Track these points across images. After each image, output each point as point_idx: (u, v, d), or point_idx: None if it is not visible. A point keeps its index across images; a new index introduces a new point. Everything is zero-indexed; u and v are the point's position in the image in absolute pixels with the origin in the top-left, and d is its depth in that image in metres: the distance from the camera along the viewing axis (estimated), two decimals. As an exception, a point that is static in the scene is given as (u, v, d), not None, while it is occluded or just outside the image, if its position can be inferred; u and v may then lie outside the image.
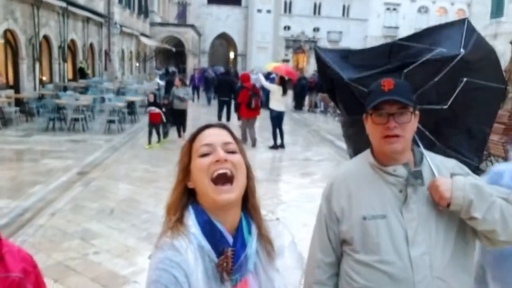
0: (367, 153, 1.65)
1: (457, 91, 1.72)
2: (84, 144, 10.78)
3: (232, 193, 1.16)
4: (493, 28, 24.37)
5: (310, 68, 43.02)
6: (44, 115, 13.26)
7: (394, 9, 48.27)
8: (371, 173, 1.60)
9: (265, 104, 12.74)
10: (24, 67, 14.79)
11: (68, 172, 7.90)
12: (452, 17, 40.15)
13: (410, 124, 1.52)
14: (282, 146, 11.24)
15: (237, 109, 12.45)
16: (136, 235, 5.26)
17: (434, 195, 1.49)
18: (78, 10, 19.09)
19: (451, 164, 1.64)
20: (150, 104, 10.84)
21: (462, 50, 1.66)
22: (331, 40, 45.31)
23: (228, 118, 15.07)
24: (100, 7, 23.06)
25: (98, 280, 4.15)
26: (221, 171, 1.16)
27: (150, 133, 10.70)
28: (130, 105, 14.70)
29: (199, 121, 15.20)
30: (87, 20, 20.84)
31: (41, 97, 14.61)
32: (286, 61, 46.60)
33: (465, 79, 1.72)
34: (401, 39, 1.92)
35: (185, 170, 1.22)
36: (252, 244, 1.21)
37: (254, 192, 1.27)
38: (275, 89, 11.13)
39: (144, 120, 12.85)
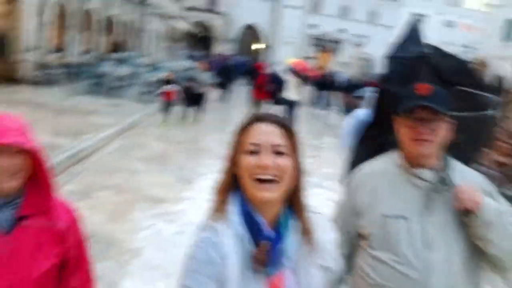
0: (395, 154, 1.67)
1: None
2: (122, 108, 12.21)
3: (273, 192, 1.16)
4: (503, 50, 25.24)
5: (334, 67, 44.15)
6: (86, 79, 14.74)
7: (420, 20, 49.48)
8: (398, 174, 1.62)
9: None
10: (70, 35, 16.28)
11: (112, 128, 9.34)
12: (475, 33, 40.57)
13: (442, 130, 1.53)
14: None
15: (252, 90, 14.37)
16: (172, 176, 6.67)
17: (463, 197, 1.48)
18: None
19: (479, 179, 1.64)
20: (168, 82, 11.14)
21: (493, 111, 1.89)
22: (355, 43, 46.21)
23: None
24: (140, -13, 24.49)
25: (143, 199, 5.56)
26: (263, 177, 1.15)
27: (164, 111, 10.96)
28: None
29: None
30: (127, -2, 22.28)
31: (83, 64, 16.11)
32: (310, 58, 47.81)
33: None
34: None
35: (233, 161, 1.22)
36: (290, 239, 1.20)
37: (302, 190, 1.25)
38: (291, 80, 12.44)
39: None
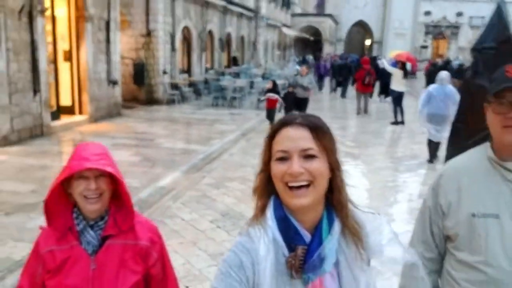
0: (485, 146, 1.52)
1: None
2: (240, 116, 13.90)
3: (306, 198, 1.12)
4: None
5: (451, 54, 42.06)
6: (209, 94, 16.86)
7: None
8: (488, 168, 1.48)
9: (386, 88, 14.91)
10: (194, 56, 18.61)
11: (234, 133, 10.95)
12: None
13: None
14: (402, 122, 13.07)
15: (353, 84, 16.45)
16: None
17: None
18: (234, 7, 22.65)
19: None
20: (269, 90, 11.55)
21: None
22: (473, 25, 43.43)
23: (344, 95, 19.98)
24: (251, 2, 26.52)
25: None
26: (294, 184, 1.12)
27: (269, 118, 11.31)
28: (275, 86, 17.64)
29: (321, 110, 17.75)
30: (240, 15, 24.38)
31: (205, 81, 18.33)
32: (424, 47, 46.04)
33: None
34: None
35: (267, 164, 1.21)
36: (329, 244, 1.15)
37: (341, 188, 1.20)
38: (396, 73, 13.13)
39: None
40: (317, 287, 1.14)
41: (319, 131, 1.16)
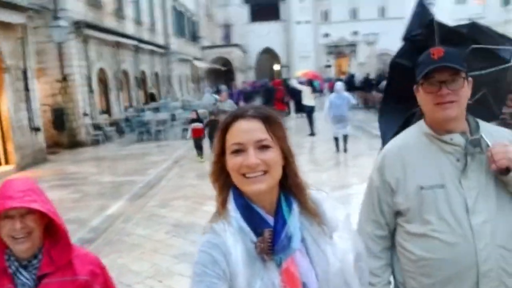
0: (420, 124, 1.63)
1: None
2: (168, 147, 14.38)
3: (263, 183, 1.16)
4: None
5: (353, 70, 45.45)
6: (132, 131, 17.14)
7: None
8: (427, 143, 1.58)
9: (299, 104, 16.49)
10: (112, 96, 18.82)
11: (166, 162, 11.44)
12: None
13: (464, 90, 1.50)
14: (313, 134, 14.53)
15: (272, 104, 17.11)
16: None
17: (499, 158, 1.45)
18: (145, 45, 23.21)
19: (508, 135, 1.62)
20: (193, 120, 11.75)
21: None
22: (369, 42, 47.52)
23: None
24: (161, 39, 27.23)
25: (204, 200, 7.48)
26: (252, 175, 1.16)
27: (196, 147, 11.49)
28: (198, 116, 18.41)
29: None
30: (152, 52, 24.96)
31: (126, 119, 18.57)
32: (328, 66, 49.30)
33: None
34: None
35: (219, 156, 1.23)
36: (293, 222, 1.19)
37: (296, 172, 1.25)
38: (305, 89, 14.52)
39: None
40: (290, 265, 1.17)
41: (271, 121, 1.20)
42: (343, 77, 33.52)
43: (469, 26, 1.87)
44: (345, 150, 11.04)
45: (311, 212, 1.25)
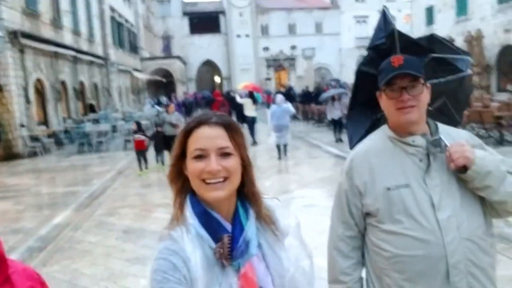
0: (384, 128, 1.73)
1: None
2: (110, 158, 14.29)
3: (223, 190, 1.18)
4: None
5: (292, 82, 46.72)
6: (71, 143, 16.82)
7: (364, 21, 50.90)
8: (391, 146, 1.67)
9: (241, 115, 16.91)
10: (50, 107, 18.35)
11: (110, 172, 11.43)
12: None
13: (423, 95, 1.60)
14: (254, 142, 15.14)
15: None
16: (168, 190, 8.78)
17: (456, 157, 1.54)
18: (84, 56, 22.80)
19: (465, 135, 1.72)
20: (135, 132, 11.43)
21: (469, 70, 1.95)
22: (306, 56, 49.17)
23: None
24: (99, 50, 26.81)
25: (151, 207, 7.66)
26: (212, 181, 1.18)
27: (139, 160, 11.16)
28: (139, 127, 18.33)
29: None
30: (90, 63, 24.53)
31: (65, 130, 18.16)
32: (268, 79, 50.38)
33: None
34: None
35: (178, 158, 1.24)
36: (250, 228, 1.22)
37: (253, 181, 1.28)
38: (246, 101, 15.09)
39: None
40: (248, 270, 1.18)
41: (232, 129, 1.23)
42: (282, 89, 34.68)
43: (428, 38, 1.97)
44: (285, 155, 12.06)
45: (266, 219, 1.28)
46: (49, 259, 5.48)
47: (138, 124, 11.95)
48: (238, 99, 17.24)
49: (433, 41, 1.96)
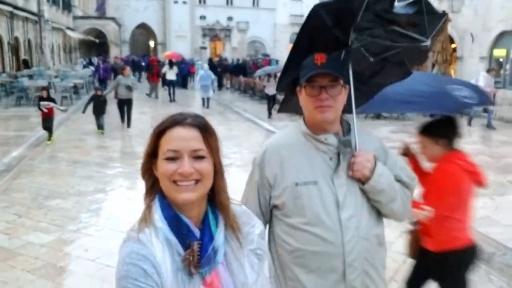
0: (299, 123, 1.77)
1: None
2: (49, 111, 15.66)
3: (194, 192, 1.16)
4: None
5: (226, 53, 48.03)
6: (7, 96, 17.85)
7: None
8: (304, 142, 1.71)
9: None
10: (-14, 60, 19.06)
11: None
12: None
13: (341, 96, 1.66)
14: (174, 100, 19.56)
15: (148, 77, 22.86)
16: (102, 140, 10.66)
17: (356, 169, 1.64)
18: (20, 12, 23.22)
19: (376, 144, 1.80)
20: (42, 99, 10.18)
21: (429, 41, 1.84)
22: (240, 29, 50.54)
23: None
24: (34, 7, 27.02)
25: (90, 150, 9.54)
26: (183, 183, 1.15)
27: (45, 128, 10.23)
28: (74, 86, 19.61)
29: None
30: (25, 19, 24.88)
31: (1, 84, 19.02)
32: (204, 48, 51.22)
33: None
34: None
35: (150, 156, 1.21)
36: (220, 236, 1.21)
37: (223, 188, 1.26)
38: (166, 68, 20.67)
39: (86, 97, 17.74)
40: (214, 278, 1.18)
41: (207, 131, 1.20)
42: (217, 59, 36.55)
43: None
44: (207, 107, 17.34)
45: (233, 226, 1.26)
46: (16, 176, 7.31)
47: (48, 90, 11.00)
48: (164, 69, 21.99)
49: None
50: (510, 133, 12.01)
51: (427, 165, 2.77)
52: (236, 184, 1.75)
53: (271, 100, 15.14)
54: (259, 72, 18.96)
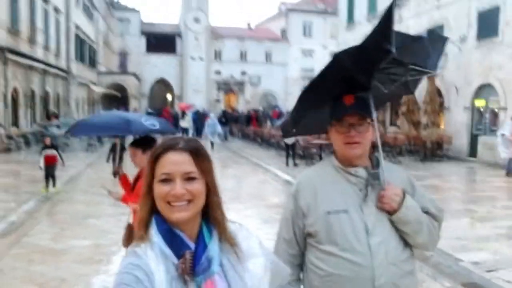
0: (330, 158, 1.91)
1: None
2: (76, 156, 17.46)
3: (187, 212, 1.24)
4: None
5: (240, 105, 49.80)
6: (37, 143, 19.82)
7: (310, 55, 54.20)
8: (335, 174, 1.85)
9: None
10: (21, 112, 21.26)
11: (81, 165, 14.66)
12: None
13: (368, 133, 1.80)
14: None
15: None
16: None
17: (385, 201, 1.75)
18: (51, 69, 25.78)
19: (403, 176, 1.93)
20: (46, 147, 10.34)
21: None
22: (252, 82, 52.55)
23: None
24: (63, 64, 29.70)
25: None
26: (176, 204, 1.23)
27: (47, 176, 10.25)
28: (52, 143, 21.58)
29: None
30: (56, 75, 27.43)
31: (33, 132, 21.14)
32: (218, 101, 53.15)
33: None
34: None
35: (149, 186, 1.29)
36: (213, 246, 1.26)
37: (218, 205, 1.32)
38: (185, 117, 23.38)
39: (107, 145, 19.59)
40: (209, 287, 1.23)
41: (199, 154, 1.28)
42: (230, 110, 38.80)
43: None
44: (213, 149, 20.00)
45: (230, 240, 1.32)
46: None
47: (50, 139, 11.28)
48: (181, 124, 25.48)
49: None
50: (487, 174, 13.30)
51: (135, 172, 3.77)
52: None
53: (289, 149, 15.05)
54: (278, 122, 22.17)
